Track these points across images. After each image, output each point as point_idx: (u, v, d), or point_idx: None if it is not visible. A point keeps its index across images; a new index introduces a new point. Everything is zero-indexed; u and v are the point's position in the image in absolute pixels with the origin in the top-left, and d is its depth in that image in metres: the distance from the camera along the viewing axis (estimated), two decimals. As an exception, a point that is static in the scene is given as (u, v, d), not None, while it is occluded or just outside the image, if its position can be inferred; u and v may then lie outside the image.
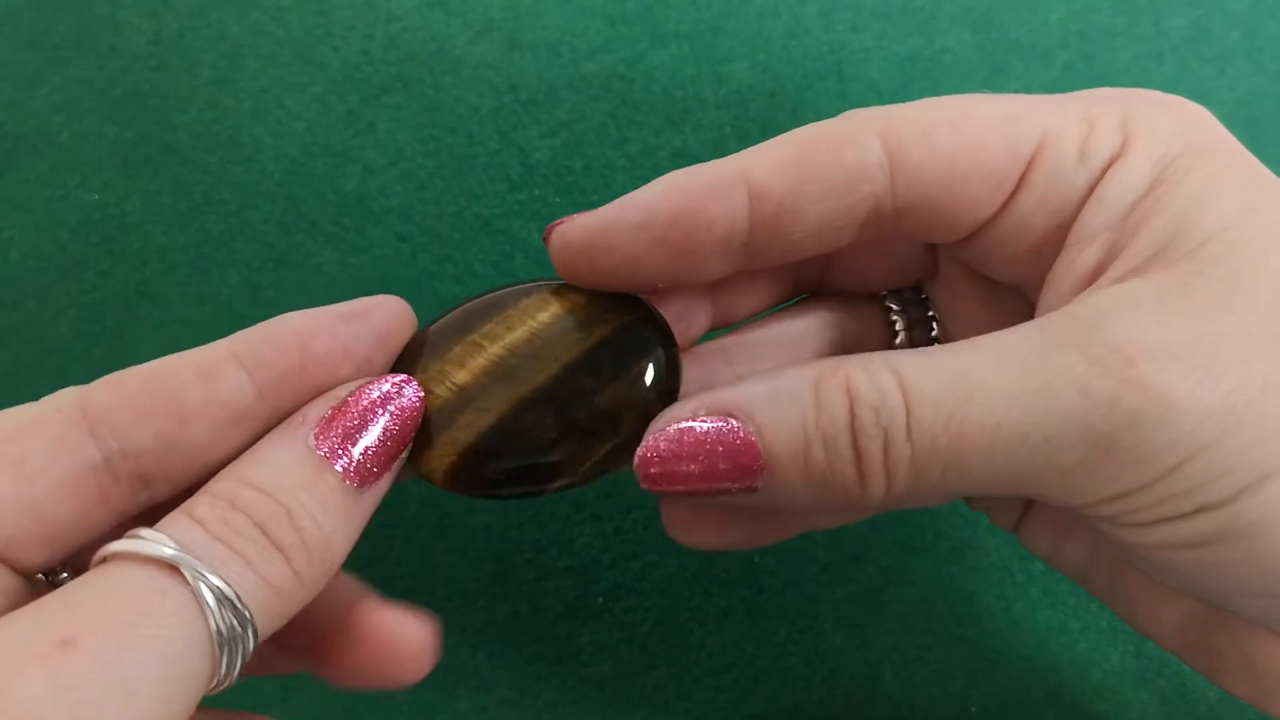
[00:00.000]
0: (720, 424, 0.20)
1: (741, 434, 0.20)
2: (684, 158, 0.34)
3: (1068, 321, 0.19)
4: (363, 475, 0.20)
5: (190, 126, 0.34)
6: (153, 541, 0.17)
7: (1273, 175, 0.20)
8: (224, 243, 0.33)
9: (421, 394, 0.21)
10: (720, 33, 0.35)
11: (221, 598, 0.17)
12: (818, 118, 0.22)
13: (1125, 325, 0.18)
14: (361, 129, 0.34)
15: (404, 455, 0.21)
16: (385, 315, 0.22)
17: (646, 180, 0.21)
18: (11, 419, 0.19)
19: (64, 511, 0.19)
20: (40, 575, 0.20)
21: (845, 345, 0.26)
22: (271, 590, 0.18)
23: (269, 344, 0.20)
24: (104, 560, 0.18)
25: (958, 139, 0.21)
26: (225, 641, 0.17)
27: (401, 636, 0.22)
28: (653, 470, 0.20)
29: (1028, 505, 0.25)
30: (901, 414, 0.19)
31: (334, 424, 0.20)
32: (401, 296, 0.22)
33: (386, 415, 0.20)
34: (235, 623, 0.17)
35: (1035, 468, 0.18)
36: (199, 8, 0.35)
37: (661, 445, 0.20)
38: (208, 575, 0.17)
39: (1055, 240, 0.21)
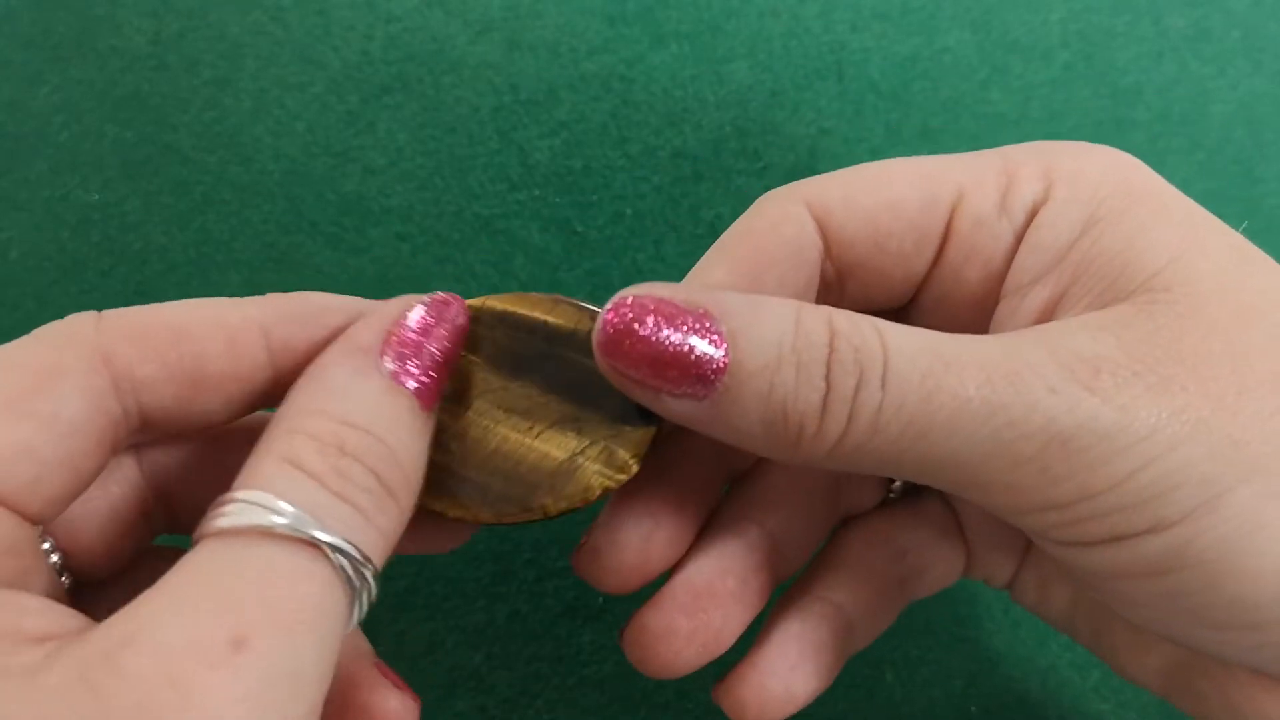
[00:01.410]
0: (697, 311, 0.19)
1: (715, 330, 0.19)
2: (684, 158, 0.34)
3: (1036, 334, 0.19)
4: (429, 396, 0.19)
5: (190, 126, 0.34)
6: (276, 512, 0.16)
7: (1208, 214, 0.21)
8: (224, 243, 0.33)
9: (464, 304, 0.21)
10: (720, 33, 0.35)
11: (355, 564, 0.17)
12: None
13: (1090, 343, 0.18)
14: (361, 129, 0.34)
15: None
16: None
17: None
18: (29, 361, 0.18)
19: (92, 464, 0.19)
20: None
21: None
22: (386, 539, 0.18)
23: (304, 331, 0.20)
24: (218, 534, 0.16)
25: (876, 198, 0.22)
26: (357, 597, 0.17)
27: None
28: (617, 327, 0.19)
29: (1020, 561, 0.26)
30: (880, 360, 0.18)
31: (399, 346, 0.19)
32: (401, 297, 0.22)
33: (440, 329, 0.20)
34: (364, 577, 0.17)
35: (990, 451, 0.18)
36: (199, 8, 0.35)
37: (633, 304, 0.19)
38: (344, 546, 0.17)
39: (993, 293, 0.22)
